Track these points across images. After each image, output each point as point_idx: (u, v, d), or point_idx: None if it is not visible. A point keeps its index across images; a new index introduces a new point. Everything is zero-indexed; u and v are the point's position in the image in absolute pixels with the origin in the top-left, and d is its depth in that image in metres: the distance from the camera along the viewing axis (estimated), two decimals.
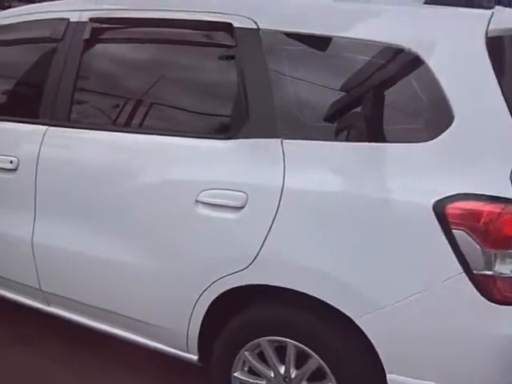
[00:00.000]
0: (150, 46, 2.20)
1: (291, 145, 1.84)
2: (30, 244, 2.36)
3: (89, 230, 2.22)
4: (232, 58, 1.98)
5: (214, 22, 2.03)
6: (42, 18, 2.45)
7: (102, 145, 2.20)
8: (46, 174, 2.29)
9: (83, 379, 2.50)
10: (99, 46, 2.32)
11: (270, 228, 1.83)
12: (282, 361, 1.95)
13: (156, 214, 2.05)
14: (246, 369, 2.04)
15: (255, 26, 1.95)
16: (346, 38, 1.86)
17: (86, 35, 2.27)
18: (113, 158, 2.15)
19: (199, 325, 2.05)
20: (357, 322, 1.74)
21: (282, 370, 1.95)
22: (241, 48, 1.96)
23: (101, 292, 2.27)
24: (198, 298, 2.01)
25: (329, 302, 1.77)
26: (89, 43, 2.27)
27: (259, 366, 1.99)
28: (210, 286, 1.97)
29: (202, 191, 1.94)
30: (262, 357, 1.99)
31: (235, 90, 1.96)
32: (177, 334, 2.12)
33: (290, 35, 1.92)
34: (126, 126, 2.18)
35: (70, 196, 2.25)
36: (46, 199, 2.31)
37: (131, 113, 2.20)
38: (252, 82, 1.92)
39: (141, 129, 2.13)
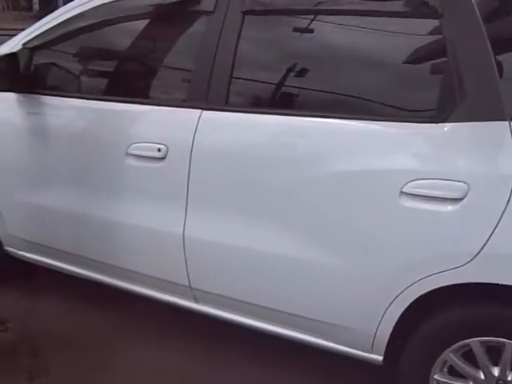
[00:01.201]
0: (328, 18, 1.96)
1: None
2: (180, 238, 2.17)
3: (254, 223, 2.03)
4: (439, 27, 1.76)
5: None
6: None
7: (275, 129, 1.98)
8: (202, 163, 2.08)
9: (219, 375, 2.36)
10: (263, 19, 2.08)
11: (500, 220, 1.64)
12: (493, 362, 1.81)
13: (347, 207, 1.86)
14: (445, 370, 1.90)
15: None
16: None
17: (246, 6, 2.03)
18: (290, 145, 1.94)
19: (392, 325, 1.89)
20: None
21: (496, 371, 1.81)
22: (450, 16, 1.73)
23: (265, 290, 2.09)
24: (396, 298, 1.85)
25: None
26: (250, 15, 2.03)
27: (467, 368, 1.84)
28: (411, 284, 1.80)
29: (409, 182, 1.74)
30: (466, 357, 1.85)
31: (445, 65, 1.74)
32: (361, 333, 1.96)
33: None
34: (305, 108, 1.96)
35: (232, 186, 2.05)
36: (200, 190, 2.11)
37: (310, 93, 1.99)
38: (468, 55, 1.70)
39: (325, 112, 1.91)
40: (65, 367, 2.37)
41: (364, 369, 2.11)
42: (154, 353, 2.48)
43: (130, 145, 2.20)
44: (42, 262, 2.63)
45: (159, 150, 2.14)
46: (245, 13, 2.03)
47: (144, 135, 2.19)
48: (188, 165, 2.10)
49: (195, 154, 2.08)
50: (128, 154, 2.21)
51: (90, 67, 2.52)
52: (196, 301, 2.29)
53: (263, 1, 2.05)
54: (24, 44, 2.47)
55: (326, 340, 2.06)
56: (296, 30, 2.06)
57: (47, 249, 2.56)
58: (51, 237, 2.52)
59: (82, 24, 2.39)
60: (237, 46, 2.03)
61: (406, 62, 1.85)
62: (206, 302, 2.27)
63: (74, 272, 2.55)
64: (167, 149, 2.13)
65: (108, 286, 2.54)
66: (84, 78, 2.52)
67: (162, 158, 2.14)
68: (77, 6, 2.38)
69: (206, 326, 2.47)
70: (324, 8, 1.98)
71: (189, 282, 2.23)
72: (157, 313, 2.60)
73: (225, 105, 2.07)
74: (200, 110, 2.08)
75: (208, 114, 2.07)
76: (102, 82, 2.46)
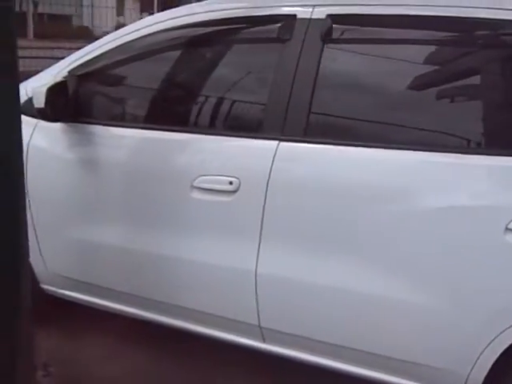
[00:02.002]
0: (417, 50, 1.92)
1: None
2: (252, 275, 2.06)
3: (336, 260, 1.94)
4: None
5: None
6: (251, 14, 2.11)
7: (358, 162, 1.91)
8: (279, 196, 1.98)
9: None
10: (344, 48, 2.02)
11: None
12: None
13: (444, 245, 1.80)
14: None
15: None
16: None
17: (326, 35, 1.96)
18: (378, 179, 1.87)
19: (489, 366, 1.82)
20: None
21: None
22: None
23: (346, 328, 1.99)
24: (494, 338, 1.78)
25: None
26: (330, 44, 1.96)
27: None
28: None
29: None
30: None
31: None
32: (452, 375, 1.89)
33: None
34: (394, 141, 1.88)
35: (311, 220, 1.96)
36: (276, 224, 2.01)
37: (401, 126, 1.92)
38: None
39: (420, 145, 1.84)
40: None
41: None
42: None
43: (196, 178, 2.09)
44: (87, 300, 2.47)
45: (231, 183, 2.04)
46: (324, 41, 1.97)
47: (213, 168, 2.08)
48: (263, 198, 2.00)
49: (272, 187, 1.98)
50: (194, 188, 2.10)
51: (149, 96, 2.39)
52: (264, 340, 2.18)
53: (344, 28, 1.99)
54: (70, 71, 2.34)
55: (413, 381, 1.98)
56: (379, 58, 1.99)
57: (95, 287, 2.40)
58: (102, 275, 2.37)
59: (139, 50, 2.28)
60: (316, 74, 1.96)
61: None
62: (275, 342, 2.16)
63: (124, 312, 2.39)
64: (239, 182, 2.03)
65: (150, 324, 2.41)
66: (142, 107, 2.39)
67: (234, 192, 2.04)
68: (134, 31, 2.27)
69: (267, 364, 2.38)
70: (409, 38, 1.94)
71: (258, 320, 2.12)
72: (207, 351, 2.49)
73: (304, 136, 1.98)
74: (277, 142, 1.99)
75: (286, 146, 1.99)
76: (164, 112, 2.33)
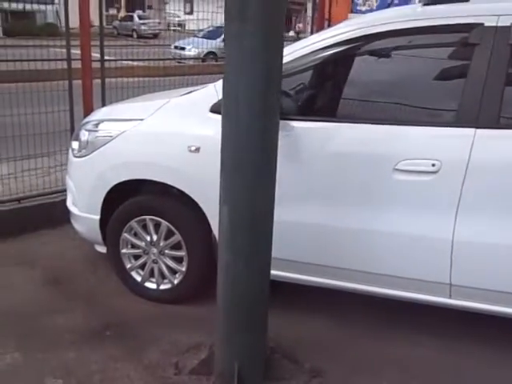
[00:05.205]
0: None
1: None
2: (449, 242, 2.48)
3: None
4: None
5: None
6: (444, 23, 2.51)
7: None
8: (477, 175, 2.40)
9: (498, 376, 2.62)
10: None
11: None
12: None
13: None
14: None
15: None
16: None
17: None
18: None
19: None
20: None
21: None
22: None
23: None
24: None
25: None
26: None
27: None
28: None
29: None
30: None
31: None
32: None
33: None
34: None
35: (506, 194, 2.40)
36: (473, 198, 2.43)
37: None
38: None
39: None
40: (332, 367, 2.62)
41: None
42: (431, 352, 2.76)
43: (399, 162, 2.49)
44: (287, 277, 2.83)
45: (433, 164, 2.45)
46: (511, 44, 2.39)
47: (416, 153, 2.49)
48: (463, 177, 2.42)
49: (471, 167, 2.41)
50: (395, 170, 2.50)
51: (357, 95, 2.76)
52: (450, 296, 2.61)
53: None
54: None
55: None
56: None
57: (297, 264, 2.77)
58: (307, 252, 2.74)
59: (338, 53, 2.67)
60: (506, 73, 2.39)
61: None
62: (461, 296, 2.59)
63: (338, 286, 2.77)
64: (441, 163, 2.44)
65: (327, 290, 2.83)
66: (350, 105, 2.76)
67: (435, 172, 2.45)
68: (330, 37, 2.66)
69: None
70: None
71: (450, 279, 2.55)
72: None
73: (497, 124, 2.42)
74: (474, 129, 2.42)
75: (483, 132, 2.41)
76: (368, 106, 2.72)
